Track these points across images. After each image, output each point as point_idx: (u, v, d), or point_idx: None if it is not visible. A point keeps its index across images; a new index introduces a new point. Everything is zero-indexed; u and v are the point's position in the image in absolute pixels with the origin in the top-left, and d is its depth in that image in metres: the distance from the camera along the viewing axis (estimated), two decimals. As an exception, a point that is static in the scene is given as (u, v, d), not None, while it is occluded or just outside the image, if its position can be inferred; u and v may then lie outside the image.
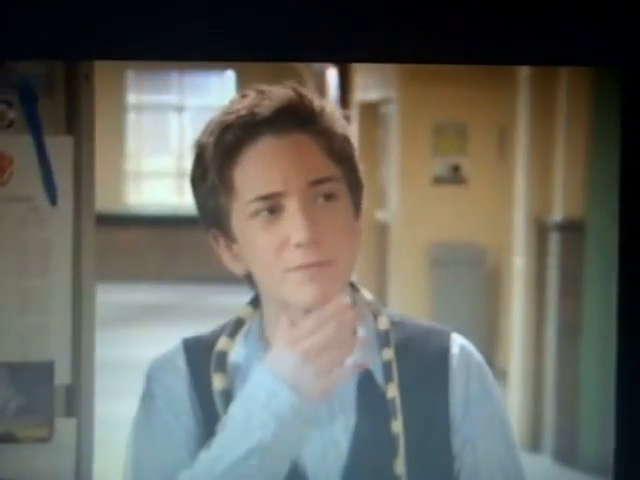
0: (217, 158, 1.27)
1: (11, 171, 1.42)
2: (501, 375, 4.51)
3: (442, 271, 5.60)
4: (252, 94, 1.28)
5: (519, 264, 4.67)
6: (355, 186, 1.30)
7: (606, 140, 3.90)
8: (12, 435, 1.42)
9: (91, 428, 1.44)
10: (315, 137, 1.27)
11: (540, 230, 4.51)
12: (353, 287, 1.34)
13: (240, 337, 1.33)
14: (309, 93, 1.29)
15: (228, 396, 1.28)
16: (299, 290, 1.25)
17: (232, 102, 1.29)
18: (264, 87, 1.29)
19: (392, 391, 1.30)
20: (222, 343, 1.32)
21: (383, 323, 1.32)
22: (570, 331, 4.17)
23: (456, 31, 1.38)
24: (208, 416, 1.28)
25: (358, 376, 1.29)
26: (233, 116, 1.27)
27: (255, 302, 1.33)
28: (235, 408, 1.24)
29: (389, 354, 1.31)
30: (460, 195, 5.63)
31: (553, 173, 4.43)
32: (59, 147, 1.43)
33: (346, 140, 1.30)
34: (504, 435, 1.34)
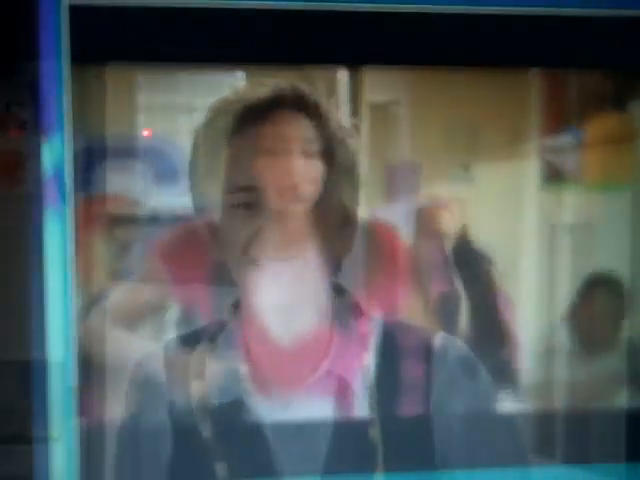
0: (206, 145, 1.26)
1: (23, 171, 1.42)
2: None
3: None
4: (249, 85, 1.27)
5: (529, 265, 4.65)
6: (340, 173, 1.27)
7: (617, 141, 3.88)
8: (20, 435, 1.42)
9: (99, 429, 1.44)
10: (304, 129, 1.25)
11: (550, 232, 4.49)
12: (339, 290, 1.30)
13: (221, 340, 1.30)
14: (305, 87, 1.27)
15: (206, 403, 1.26)
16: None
17: (231, 91, 1.27)
18: (264, 80, 1.27)
19: (371, 396, 1.27)
20: (202, 347, 1.30)
21: (364, 326, 1.29)
22: (580, 333, 4.15)
23: (465, 33, 1.37)
24: (185, 422, 1.26)
25: (336, 384, 1.26)
26: (224, 103, 1.25)
27: (237, 303, 1.31)
28: None
29: (368, 359, 1.28)
30: (470, 196, 5.60)
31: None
32: (70, 147, 1.43)
33: (340, 141, 1.27)
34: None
